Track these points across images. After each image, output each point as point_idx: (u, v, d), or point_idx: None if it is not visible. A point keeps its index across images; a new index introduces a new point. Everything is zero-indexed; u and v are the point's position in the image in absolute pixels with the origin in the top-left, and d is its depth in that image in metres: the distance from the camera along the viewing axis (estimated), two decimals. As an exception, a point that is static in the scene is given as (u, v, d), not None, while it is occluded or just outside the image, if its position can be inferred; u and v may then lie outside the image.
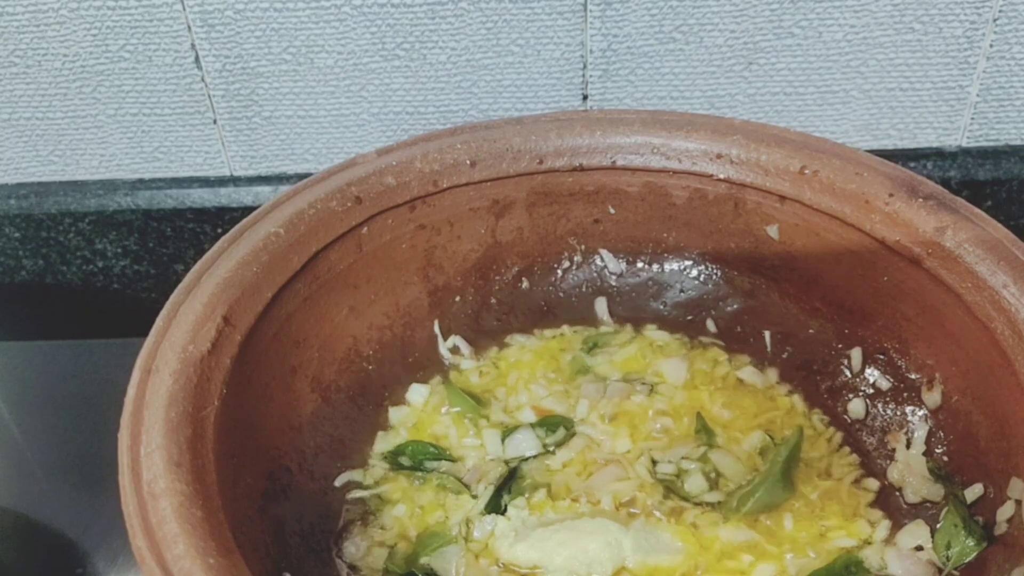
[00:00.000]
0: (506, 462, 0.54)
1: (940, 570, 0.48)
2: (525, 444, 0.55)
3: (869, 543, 0.50)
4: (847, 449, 0.55)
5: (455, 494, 0.53)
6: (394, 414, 0.57)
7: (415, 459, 0.55)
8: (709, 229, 0.60)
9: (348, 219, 0.54)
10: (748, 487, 0.52)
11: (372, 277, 0.57)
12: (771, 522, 0.51)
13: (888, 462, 0.54)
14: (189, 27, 0.67)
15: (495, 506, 0.52)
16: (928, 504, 0.51)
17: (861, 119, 0.71)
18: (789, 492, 0.52)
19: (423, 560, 0.50)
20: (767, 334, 0.60)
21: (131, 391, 0.44)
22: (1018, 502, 0.46)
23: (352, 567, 0.50)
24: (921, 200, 0.51)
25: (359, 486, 0.54)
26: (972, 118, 0.70)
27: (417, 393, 0.58)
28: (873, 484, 0.53)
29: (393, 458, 0.55)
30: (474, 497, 0.52)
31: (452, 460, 0.55)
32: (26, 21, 0.68)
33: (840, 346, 0.58)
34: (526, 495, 0.53)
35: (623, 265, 0.63)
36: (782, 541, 0.50)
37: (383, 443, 0.56)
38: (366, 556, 0.51)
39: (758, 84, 0.69)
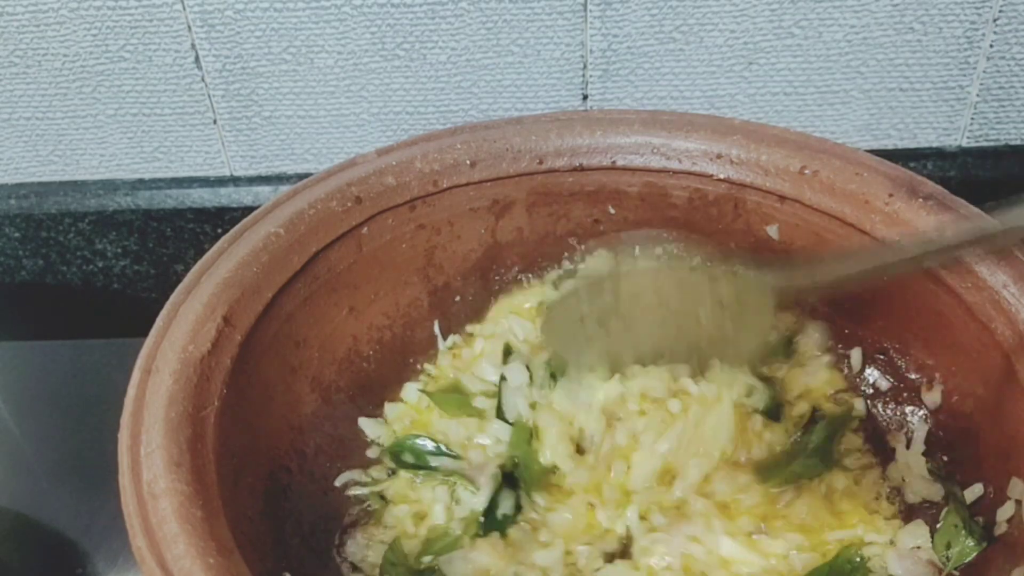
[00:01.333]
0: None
1: (940, 570, 0.48)
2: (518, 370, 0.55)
3: (876, 540, 0.49)
4: (868, 446, 0.55)
5: (462, 488, 0.53)
6: (389, 410, 0.57)
7: (418, 456, 0.55)
8: (709, 229, 0.60)
9: (348, 219, 0.54)
10: (783, 457, 0.52)
11: (372, 277, 0.57)
12: (787, 510, 0.50)
13: (888, 462, 0.54)
14: (189, 27, 0.67)
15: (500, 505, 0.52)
16: (928, 504, 0.51)
17: (861, 119, 0.71)
18: (825, 469, 0.51)
19: (426, 559, 0.50)
20: (767, 334, 0.60)
21: (131, 391, 0.44)
22: (1018, 502, 0.46)
23: (354, 567, 0.50)
24: (921, 200, 0.51)
25: (359, 485, 0.54)
26: (972, 118, 0.70)
27: (411, 391, 0.58)
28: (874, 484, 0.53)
29: (395, 456, 0.55)
30: (476, 491, 0.52)
31: (455, 457, 0.55)
32: (26, 21, 0.68)
33: (840, 346, 0.58)
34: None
35: (623, 265, 0.63)
36: (792, 531, 0.50)
37: (372, 430, 0.56)
38: (368, 556, 0.51)
39: (758, 84, 0.69)
